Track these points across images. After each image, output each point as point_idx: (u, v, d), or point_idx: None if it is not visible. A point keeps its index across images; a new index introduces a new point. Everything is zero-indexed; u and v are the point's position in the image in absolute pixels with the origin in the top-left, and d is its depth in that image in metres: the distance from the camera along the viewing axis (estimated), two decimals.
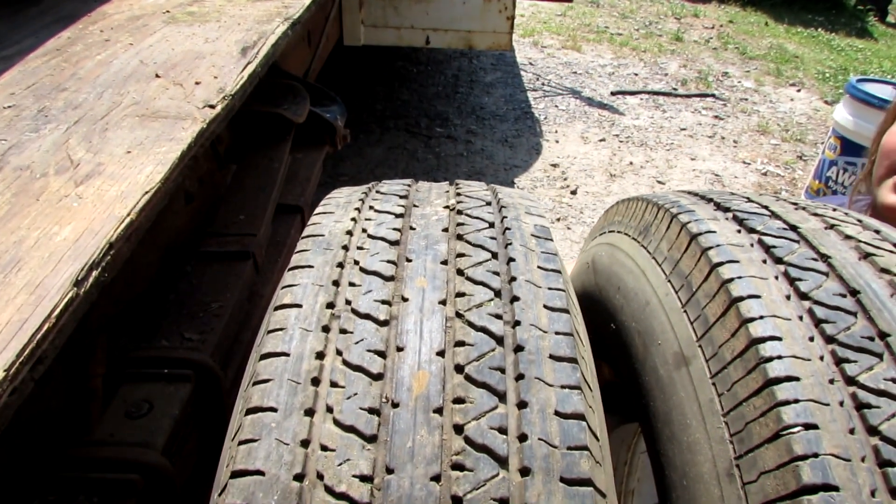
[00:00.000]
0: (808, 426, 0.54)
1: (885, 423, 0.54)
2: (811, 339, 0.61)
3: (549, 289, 0.67)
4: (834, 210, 0.82)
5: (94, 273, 0.72)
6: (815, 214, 0.79)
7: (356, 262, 0.71)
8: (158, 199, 0.89)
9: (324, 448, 0.53)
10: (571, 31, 6.42)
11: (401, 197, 0.85)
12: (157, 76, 1.26)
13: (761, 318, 0.62)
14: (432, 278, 0.67)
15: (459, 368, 0.58)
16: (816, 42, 6.92)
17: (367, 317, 0.63)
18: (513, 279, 0.68)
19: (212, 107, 1.13)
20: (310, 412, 0.56)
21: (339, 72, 4.52)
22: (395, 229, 0.76)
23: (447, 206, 0.82)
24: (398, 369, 0.58)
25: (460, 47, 3.55)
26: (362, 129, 4.13)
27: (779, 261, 0.69)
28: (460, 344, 0.60)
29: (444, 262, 0.70)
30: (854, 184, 1.40)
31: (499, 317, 0.63)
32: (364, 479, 0.51)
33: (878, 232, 0.75)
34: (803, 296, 0.64)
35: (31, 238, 0.77)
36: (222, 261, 1.28)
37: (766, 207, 0.81)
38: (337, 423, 0.55)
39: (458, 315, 0.63)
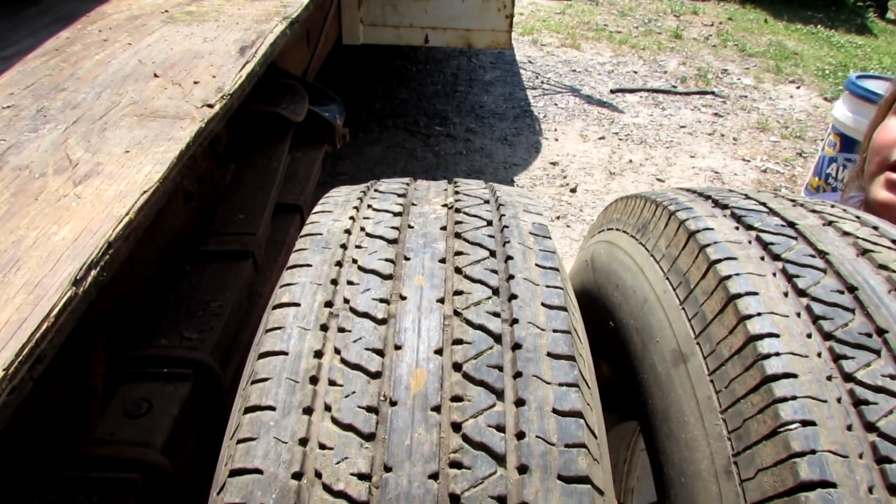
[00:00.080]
0: (806, 423, 0.54)
1: (882, 419, 0.54)
2: (809, 335, 0.61)
3: (547, 287, 0.67)
4: (832, 206, 0.82)
5: (93, 272, 0.72)
6: (814, 211, 0.79)
7: (354, 261, 0.71)
8: (157, 199, 0.90)
9: (322, 446, 0.53)
10: (570, 30, 6.41)
11: (399, 195, 0.85)
12: (156, 76, 1.26)
13: (759, 314, 0.63)
14: (430, 276, 0.67)
15: (457, 366, 0.58)
16: (816, 39, 6.91)
17: (365, 315, 0.63)
18: (511, 277, 0.68)
19: (210, 106, 1.13)
20: (308, 411, 0.56)
21: (338, 71, 4.52)
22: (393, 228, 0.76)
23: (445, 205, 0.82)
24: (396, 367, 0.58)
25: (459, 46, 3.55)
26: (361, 128, 4.13)
27: (777, 257, 0.69)
28: (458, 342, 0.60)
29: (443, 261, 0.70)
30: (846, 180, 1.40)
31: (497, 315, 0.63)
32: (362, 477, 0.51)
33: (876, 228, 0.76)
34: (801, 292, 0.64)
35: (29, 238, 0.77)
36: (221, 260, 1.28)
37: (763, 204, 0.81)
38: (335, 421, 0.55)
39: (456, 313, 0.63)
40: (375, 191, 0.88)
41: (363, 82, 4.79)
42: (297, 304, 0.66)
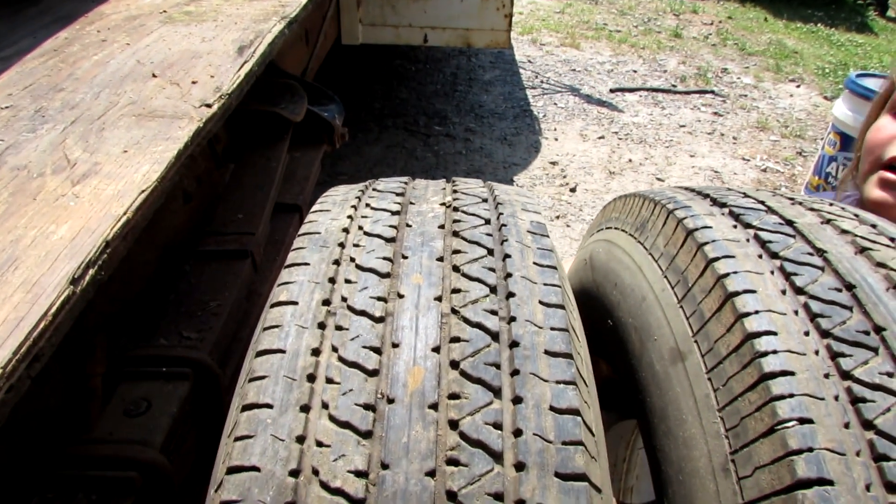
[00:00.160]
0: (803, 420, 0.54)
1: (880, 417, 0.54)
2: (806, 333, 0.61)
3: (545, 285, 0.67)
4: (830, 205, 0.82)
5: (91, 271, 0.72)
6: (812, 209, 0.79)
7: (352, 259, 0.71)
8: (155, 198, 0.90)
9: (319, 444, 0.53)
10: (570, 29, 6.41)
11: (397, 194, 0.85)
12: (154, 76, 1.26)
13: (757, 312, 0.63)
14: (428, 275, 0.68)
15: (455, 364, 0.58)
16: (816, 37, 6.91)
17: (362, 313, 0.63)
18: (508, 275, 0.68)
19: (208, 106, 1.13)
20: (305, 408, 0.56)
21: (338, 71, 4.52)
22: (391, 226, 0.76)
23: (443, 203, 0.82)
24: (393, 365, 0.58)
25: (458, 45, 3.55)
26: (361, 128, 4.13)
27: (774, 255, 0.69)
28: (455, 340, 0.60)
29: (440, 259, 0.70)
30: (841, 179, 1.40)
31: (494, 313, 0.63)
32: (359, 474, 0.51)
33: (874, 226, 0.76)
34: (799, 290, 0.64)
35: (27, 237, 0.77)
36: (221, 260, 1.28)
37: (762, 203, 0.81)
38: (332, 419, 0.55)
39: (454, 311, 0.63)
40: (374, 190, 0.88)
41: (363, 82, 4.79)
42: (295, 303, 0.66)
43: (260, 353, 0.61)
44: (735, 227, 0.75)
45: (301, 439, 0.54)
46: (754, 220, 0.75)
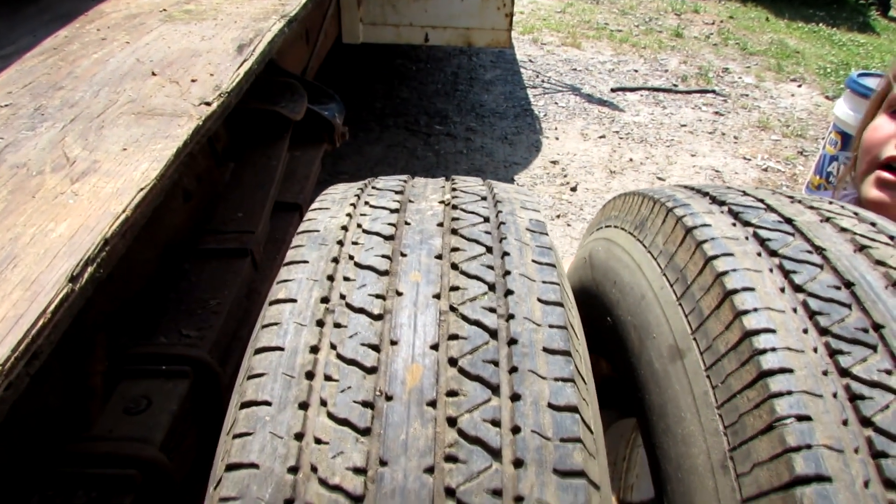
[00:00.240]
0: (802, 418, 0.54)
1: (878, 414, 0.54)
2: (805, 331, 0.61)
3: (544, 282, 0.67)
4: (830, 203, 0.82)
5: (90, 269, 0.72)
6: (811, 207, 0.79)
7: (351, 257, 0.71)
8: (154, 196, 0.90)
9: (318, 441, 0.53)
10: (571, 28, 6.41)
11: (396, 192, 0.85)
12: (154, 74, 1.26)
13: (755, 310, 0.62)
14: (426, 272, 0.68)
15: (453, 361, 0.58)
16: (818, 37, 6.90)
17: (361, 311, 0.63)
18: (507, 273, 0.68)
19: (208, 104, 1.13)
20: (304, 406, 0.56)
21: (339, 70, 4.52)
22: (389, 224, 0.76)
23: (442, 202, 0.82)
24: (392, 363, 0.58)
25: (459, 45, 3.54)
26: (362, 128, 4.13)
27: (773, 253, 0.69)
28: (454, 337, 0.60)
29: (439, 257, 0.70)
30: (838, 177, 1.40)
31: (493, 310, 0.63)
32: (358, 471, 0.51)
33: (873, 224, 0.75)
34: (797, 288, 0.64)
35: (26, 235, 0.77)
36: (221, 258, 1.28)
37: (761, 201, 0.81)
38: (331, 416, 0.55)
39: (452, 309, 0.63)
40: (373, 188, 0.88)
41: (363, 81, 4.79)
42: (294, 300, 0.66)
43: (259, 351, 0.61)
44: (734, 225, 0.75)
45: (300, 436, 0.54)
46: (753, 218, 0.75)
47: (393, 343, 0.60)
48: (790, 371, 0.57)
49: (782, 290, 0.65)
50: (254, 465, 0.52)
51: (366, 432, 0.53)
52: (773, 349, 0.59)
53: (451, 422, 0.54)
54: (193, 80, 1.23)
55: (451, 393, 0.56)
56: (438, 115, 4.44)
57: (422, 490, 0.50)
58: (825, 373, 0.57)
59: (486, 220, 0.77)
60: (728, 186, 0.89)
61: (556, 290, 0.67)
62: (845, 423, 0.54)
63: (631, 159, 4.07)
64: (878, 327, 0.59)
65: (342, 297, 0.65)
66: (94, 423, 0.92)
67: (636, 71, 5.49)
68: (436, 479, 0.51)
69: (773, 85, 5.45)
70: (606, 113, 4.67)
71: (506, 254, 0.70)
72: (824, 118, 4.82)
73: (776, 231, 0.72)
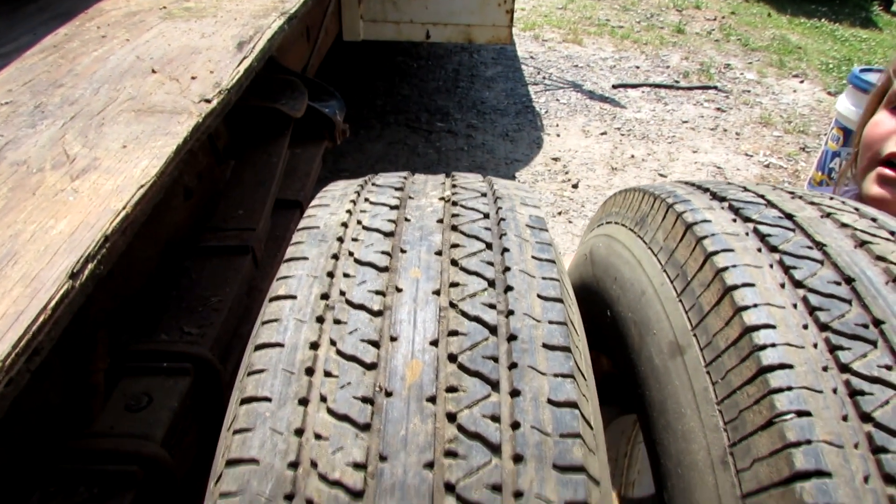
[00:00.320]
0: (802, 413, 0.54)
1: (878, 409, 0.54)
2: (805, 326, 0.61)
3: (543, 278, 0.67)
4: (831, 199, 0.82)
5: (90, 266, 0.73)
6: (812, 203, 0.79)
7: (351, 254, 0.71)
8: (154, 193, 0.90)
9: (318, 437, 0.53)
10: (572, 25, 6.39)
11: (396, 189, 0.85)
12: (154, 71, 1.26)
13: (755, 306, 0.62)
14: (426, 269, 0.67)
15: (453, 357, 0.58)
16: (820, 32, 6.88)
17: (361, 307, 0.63)
18: (507, 269, 0.68)
19: (207, 101, 1.13)
20: (304, 401, 0.56)
21: (339, 67, 4.51)
22: (390, 221, 0.76)
23: (442, 198, 0.82)
24: (392, 359, 0.58)
25: (460, 41, 3.54)
26: (363, 125, 4.13)
27: (774, 249, 0.69)
28: (454, 333, 0.60)
29: (439, 253, 0.70)
30: (839, 173, 1.39)
31: (492, 306, 0.63)
32: (357, 466, 0.51)
33: (874, 220, 0.75)
34: (798, 284, 0.64)
35: (27, 232, 0.77)
36: (221, 255, 1.28)
37: (762, 196, 0.81)
38: (331, 412, 0.55)
39: (452, 305, 0.63)
40: (373, 184, 0.88)
41: (364, 79, 4.79)
42: (294, 297, 0.66)
43: (258, 347, 0.61)
44: (734, 220, 0.75)
45: (299, 432, 0.54)
46: (754, 213, 0.75)
47: (393, 339, 0.60)
48: (790, 367, 0.57)
49: (782, 285, 0.65)
50: (254, 461, 0.52)
51: (365, 428, 0.53)
52: (773, 345, 0.59)
53: (451, 417, 0.54)
54: (193, 78, 1.23)
55: (451, 389, 0.56)
56: (439, 112, 4.43)
57: (421, 485, 0.50)
58: (825, 368, 0.57)
59: (486, 216, 0.76)
60: (729, 182, 0.89)
61: (556, 286, 0.66)
62: (845, 418, 0.54)
63: (632, 156, 4.06)
64: (878, 323, 0.59)
65: (342, 293, 0.65)
66: (95, 419, 0.92)
67: (638, 67, 5.48)
68: (435, 474, 0.51)
69: (775, 81, 5.44)
70: (608, 109, 4.66)
71: (506, 250, 0.70)
72: (826, 114, 4.81)
73: (777, 227, 0.72)
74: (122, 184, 0.88)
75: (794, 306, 0.62)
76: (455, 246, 0.71)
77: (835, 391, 0.56)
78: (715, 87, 5.14)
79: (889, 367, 0.56)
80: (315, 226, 0.77)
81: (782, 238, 0.70)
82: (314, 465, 0.52)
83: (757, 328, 0.61)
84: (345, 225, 0.76)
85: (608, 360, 1.05)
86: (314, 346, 0.60)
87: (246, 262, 1.28)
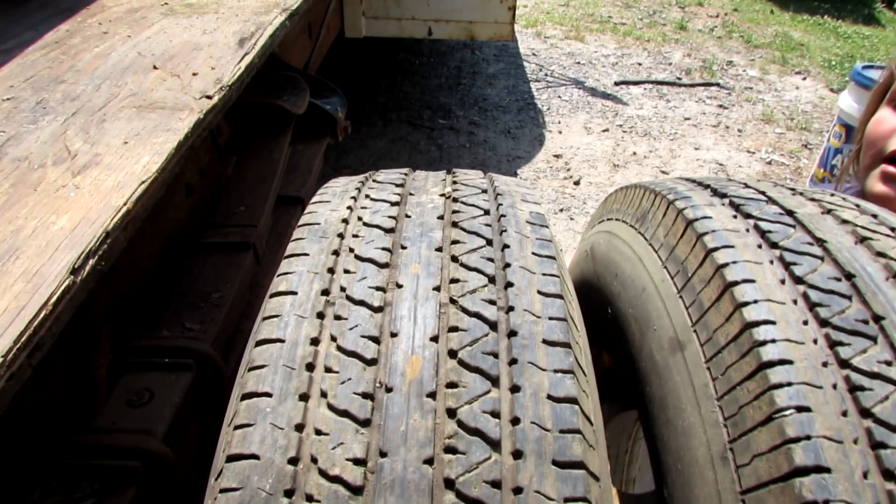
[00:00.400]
0: (801, 409, 0.54)
1: (878, 405, 0.54)
2: (805, 322, 0.61)
3: (544, 275, 0.67)
4: (832, 195, 0.82)
5: (91, 261, 0.73)
6: (813, 199, 0.79)
7: (351, 250, 0.71)
8: (155, 189, 0.90)
9: (318, 432, 0.53)
10: (574, 22, 6.38)
11: (397, 185, 0.85)
12: (155, 68, 1.26)
13: (755, 302, 0.62)
14: (426, 265, 0.68)
15: (453, 353, 0.58)
16: (822, 29, 6.86)
17: (361, 303, 0.63)
18: (507, 265, 0.68)
19: (209, 97, 1.13)
20: (304, 397, 0.56)
21: (342, 64, 4.51)
22: (390, 217, 0.76)
23: (443, 194, 0.82)
24: (392, 354, 0.58)
25: (462, 38, 3.54)
26: (365, 122, 4.13)
27: (774, 245, 0.69)
28: (454, 329, 0.60)
29: (439, 249, 0.70)
30: (840, 170, 1.39)
31: (492, 302, 0.63)
32: (357, 462, 0.51)
33: (875, 216, 0.75)
34: (798, 280, 0.64)
35: (28, 227, 0.78)
36: (223, 252, 1.29)
37: (762, 193, 0.80)
38: (331, 407, 0.55)
39: (452, 301, 0.63)
40: (373, 181, 0.88)
41: (367, 76, 4.78)
42: (294, 293, 0.66)
43: (259, 343, 0.61)
44: (735, 217, 0.75)
45: (300, 428, 0.54)
46: (754, 210, 0.75)
47: (393, 335, 0.60)
48: (790, 362, 0.57)
49: (783, 281, 0.65)
50: (254, 456, 0.52)
51: (366, 423, 0.53)
52: (773, 341, 0.59)
53: (451, 413, 0.54)
54: (195, 74, 1.23)
55: (451, 384, 0.56)
56: (441, 109, 4.43)
57: (421, 481, 0.50)
58: (825, 364, 0.57)
59: (487, 212, 0.77)
60: (729, 179, 0.89)
61: (556, 282, 0.67)
62: (845, 414, 0.54)
63: (634, 153, 4.06)
64: (878, 318, 0.59)
65: (342, 289, 0.66)
66: (97, 415, 0.92)
67: (640, 64, 5.47)
68: (435, 470, 0.51)
69: (777, 78, 5.42)
70: (610, 106, 4.65)
71: (506, 246, 0.70)
72: (829, 111, 4.79)
73: (777, 223, 0.72)
74: (123, 180, 0.88)
75: (795, 302, 0.62)
76: (455, 242, 0.71)
77: (834, 387, 0.56)
78: (717, 84, 5.13)
79: (889, 363, 0.56)
80: (316, 222, 0.77)
81: (783, 234, 0.70)
82: (314, 460, 0.52)
83: (757, 324, 0.61)
84: (345, 221, 0.76)
85: (609, 356, 1.05)
86: (315, 341, 0.60)
87: (247, 259, 1.28)
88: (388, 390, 0.56)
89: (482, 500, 0.49)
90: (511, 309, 0.62)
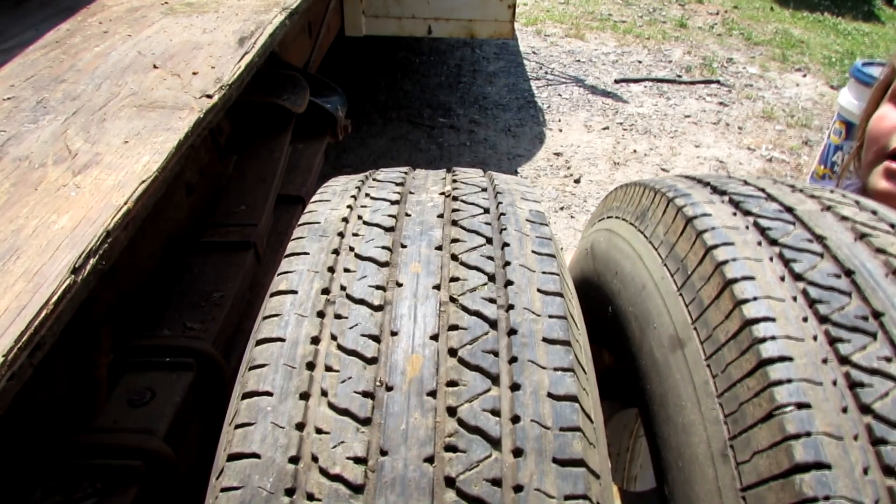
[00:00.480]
0: (801, 405, 0.54)
1: (878, 401, 0.54)
2: (805, 319, 0.61)
3: (543, 273, 0.67)
4: (831, 192, 0.82)
5: (92, 261, 0.73)
6: (812, 196, 0.79)
7: (351, 249, 0.71)
8: (155, 189, 0.90)
9: (319, 431, 0.54)
10: (574, 20, 6.37)
11: (397, 184, 0.85)
12: (155, 67, 1.26)
13: (755, 299, 0.62)
14: (426, 263, 0.68)
15: (453, 352, 0.58)
16: (822, 26, 6.85)
17: (361, 302, 0.63)
18: (507, 264, 0.68)
19: (209, 97, 1.13)
20: (305, 396, 0.56)
21: (342, 63, 4.51)
22: (390, 216, 0.76)
23: (443, 193, 0.82)
24: (392, 353, 0.58)
25: (462, 36, 3.53)
26: (365, 121, 4.13)
27: (773, 242, 0.69)
28: (454, 328, 0.60)
29: (439, 248, 0.70)
30: (841, 167, 1.38)
31: (492, 301, 0.63)
32: (358, 460, 0.51)
33: (874, 213, 0.75)
34: (797, 277, 0.64)
35: (29, 227, 0.78)
36: (224, 251, 1.29)
37: (762, 190, 0.80)
38: (331, 406, 0.55)
39: (452, 299, 0.63)
40: (373, 180, 0.89)
41: (367, 75, 4.78)
42: (295, 292, 0.66)
43: (260, 342, 0.62)
44: (735, 214, 0.75)
45: (301, 426, 0.54)
46: (754, 207, 0.75)
47: (393, 334, 0.60)
48: (790, 359, 0.57)
49: (782, 278, 0.65)
50: (255, 455, 0.52)
51: (366, 422, 0.54)
52: (773, 337, 0.59)
53: (451, 411, 0.54)
54: (195, 73, 1.23)
55: (451, 383, 0.56)
56: (442, 107, 4.43)
57: (422, 479, 0.50)
58: (825, 361, 0.57)
59: (486, 211, 0.77)
60: (729, 176, 0.89)
61: (556, 280, 0.67)
62: (845, 410, 0.54)
63: (635, 151, 4.05)
64: (877, 315, 0.59)
65: (343, 288, 0.66)
66: (98, 414, 0.93)
67: (640, 62, 5.46)
68: (436, 468, 0.51)
69: (777, 75, 5.42)
70: (610, 104, 4.65)
71: (506, 244, 0.70)
72: (829, 108, 4.79)
73: (777, 220, 0.72)
74: (123, 179, 0.88)
75: (794, 299, 0.62)
76: (455, 241, 0.71)
77: (834, 383, 0.56)
78: (717, 82, 5.12)
79: (888, 359, 0.56)
80: (316, 221, 0.77)
81: (782, 231, 0.70)
82: (315, 459, 0.52)
83: (757, 321, 0.61)
84: (345, 220, 0.76)
85: (609, 354, 1.05)
86: (315, 340, 0.61)
87: (248, 258, 1.28)
88: (389, 389, 0.56)
89: (483, 499, 0.49)
90: (511, 307, 0.63)
